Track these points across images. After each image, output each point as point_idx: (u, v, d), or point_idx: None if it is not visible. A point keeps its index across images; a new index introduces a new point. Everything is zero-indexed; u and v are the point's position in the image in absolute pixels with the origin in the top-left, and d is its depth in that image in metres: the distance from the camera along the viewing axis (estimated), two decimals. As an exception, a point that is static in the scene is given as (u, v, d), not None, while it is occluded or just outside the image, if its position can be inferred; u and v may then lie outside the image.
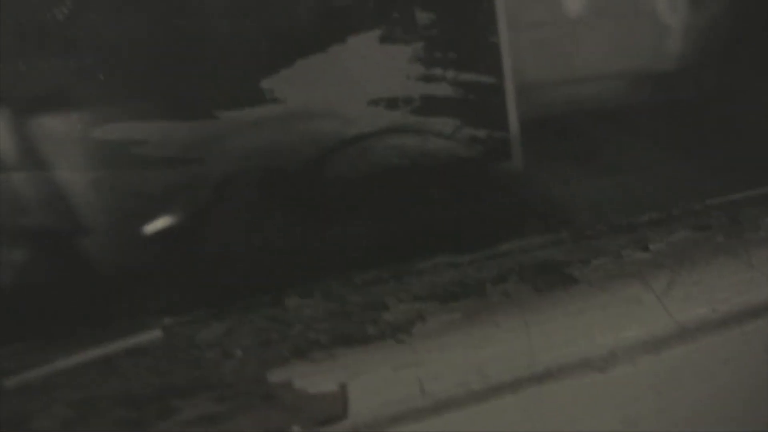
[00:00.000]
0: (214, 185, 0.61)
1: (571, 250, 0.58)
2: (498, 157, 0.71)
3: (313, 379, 0.45)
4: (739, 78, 0.80)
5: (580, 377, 0.49)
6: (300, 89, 0.62)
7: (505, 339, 0.49)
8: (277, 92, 0.62)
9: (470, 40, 0.66)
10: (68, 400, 0.43)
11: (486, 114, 0.69)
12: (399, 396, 0.46)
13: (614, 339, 0.50)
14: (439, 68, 0.66)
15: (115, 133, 0.58)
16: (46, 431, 0.41)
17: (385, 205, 0.63)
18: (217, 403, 0.43)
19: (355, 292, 0.53)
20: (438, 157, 0.66)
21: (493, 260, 0.57)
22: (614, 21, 0.76)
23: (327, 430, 0.44)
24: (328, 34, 0.62)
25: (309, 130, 0.63)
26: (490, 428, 0.47)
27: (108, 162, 0.58)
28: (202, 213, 0.60)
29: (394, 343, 0.47)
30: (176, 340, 0.49)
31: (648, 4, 0.76)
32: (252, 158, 0.61)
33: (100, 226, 0.58)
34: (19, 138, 0.55)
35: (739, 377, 0.54)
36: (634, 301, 0.52)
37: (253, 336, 0.49)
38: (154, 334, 0.49)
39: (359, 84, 0.64)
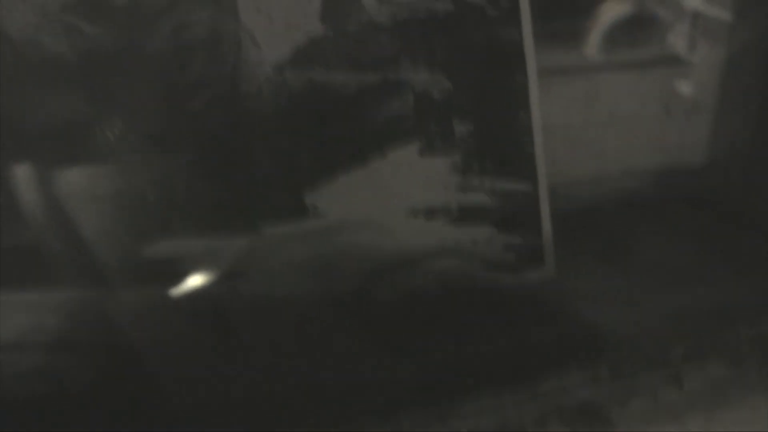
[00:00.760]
0: (254, 303, 0.61)
1: (609, 389, 0.59)
2: (531, 263, 0.72)
3: None
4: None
5: None
6: (341, 203, 0.63)
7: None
8: (320, 206, 0.63)
9: (506, 149, 0.68)
10: None
11: (520, 221, 0.71)
12: None
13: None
14: (476, 178, 0.68)
15: (162, 252, 0.58)
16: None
17: (423, 336, 0.64)
18: None
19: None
20: (474, 278, 0.67)
21: (534, 401, 0.58)
22: (645, 120, 0.79)
23: None
24: (369, 148, 0.64)
25: (349, 243, 0.64)
26: None
27: (155, 280, 0.58)
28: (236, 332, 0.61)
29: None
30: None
31: (679, 105, 0.78)
32: (292, 275, 0.62)
33: (147, 343, 0.58)
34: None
35: None
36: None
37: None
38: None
39: (399, 196, 0.65)
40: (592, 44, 0.76)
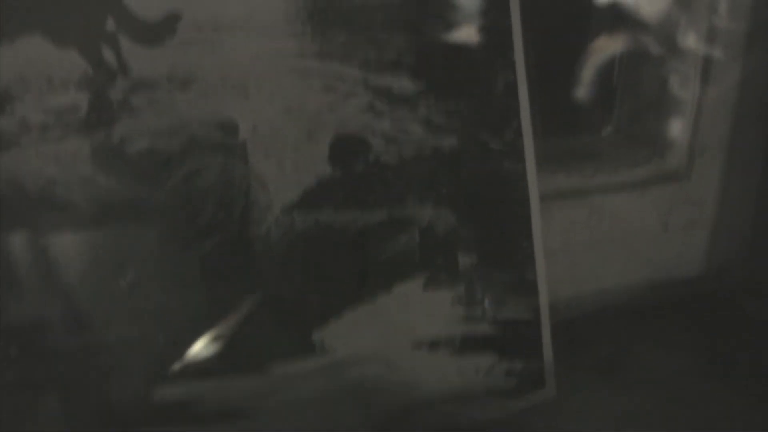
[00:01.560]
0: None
1: None
2: (532, 386, 0.74)
3: None
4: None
5: None
6: (348, 338, 0.65)
7: None
8: (327, 343, 0.65)
9: (509, 278, 0.70)
10: None
11: (522, 347, 0.72)
12: None
13: None
14: (479, 308, 0.69)
15: (174, 394, 0.60)
16: None
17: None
18: None
19: None
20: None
21: None
22: (640, 237, 0.81)
23: None
24: (375, 284, 0.65)
25: (355, 378, 0.65)
26: None
27: (166, 419, 0.60)
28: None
29: None
30: None
31: (677, 220, 0.81)
32: (299, 413, 0.63)
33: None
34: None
35: None
36: None
37: None
38: None
39: (403, 329, 0.67)
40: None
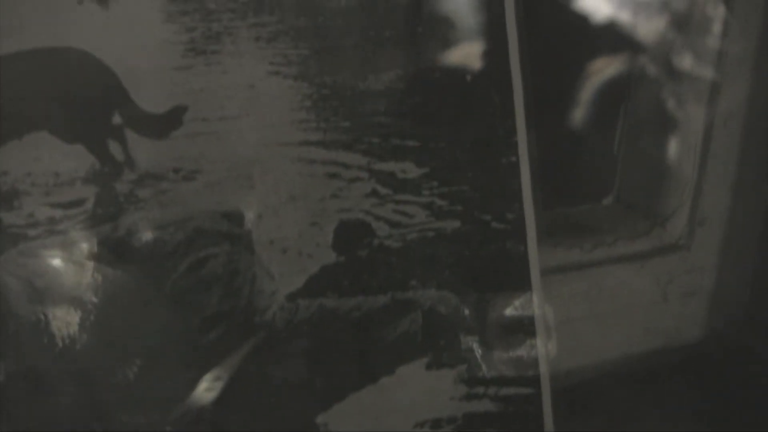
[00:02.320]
0: None
1: None
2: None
3: None
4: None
5: None
6: (351, 421, 0.66)
7: None
8: (331, 425, 0.66)
9: (512, 355, 0.71)
10: None
11: (524, 421, 0.74)
12: None
13: None
14: (481, 386, 0.71)
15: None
16: None
17: None
18: None
19: None
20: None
21: None
22: (639, 308, 0.82)
23: None
24: (378, 367, 0.66)
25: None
26: None
27: None
28: None
29: None
30: None
31: (676, 290, 0.82)
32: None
33: None
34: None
35: None
36: None
37: None
38: None
39: (406, 409, 0.68)
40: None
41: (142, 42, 0.59)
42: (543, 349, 0.72)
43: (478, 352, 0.70)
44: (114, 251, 0.58)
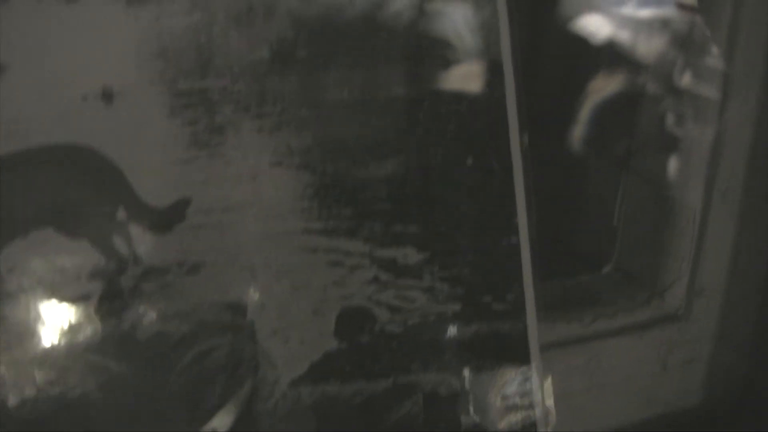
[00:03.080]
0: None
1: None
2: None
3: None
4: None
5: None
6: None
7: None
8: None
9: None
10: None
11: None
12: None
13: None
14: (482, 466, 0.72)
15: None
16: None
17: None
18: None
19: None
20: None
21: None
22: (638, 378, 0.84)
23: None
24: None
25: None
26: None
27: None
28: None
29: None
30: None
31: (675, 360, 0.83)
32: None
33: None
34: None
35: None
36: None
37: None
38: None
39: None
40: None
41: (147, 137, 0.60)
42: (543, 425, 0.74)
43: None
44: (119, 345, 0.59)
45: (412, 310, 0.68)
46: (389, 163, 0.66)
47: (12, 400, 0.58)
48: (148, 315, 0.60)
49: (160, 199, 0.60)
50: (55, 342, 0.59)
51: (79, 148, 0.59)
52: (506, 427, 0.73)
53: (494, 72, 0.69)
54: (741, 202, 0.80)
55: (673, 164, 0.80)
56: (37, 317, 0.58)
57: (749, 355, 0.87)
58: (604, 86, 0.83)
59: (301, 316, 0.64)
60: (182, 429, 0.62)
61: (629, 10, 0.85)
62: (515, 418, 0.73)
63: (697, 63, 0.78)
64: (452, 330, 0.69)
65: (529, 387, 0.73)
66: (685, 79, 0.79)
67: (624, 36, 0.82)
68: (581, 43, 0.82)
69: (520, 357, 0.72)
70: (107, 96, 0.58)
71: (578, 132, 0.84)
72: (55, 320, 0.59)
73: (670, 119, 0.82)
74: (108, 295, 0.59)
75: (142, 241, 0.60)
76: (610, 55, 0.83)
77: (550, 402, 0.74)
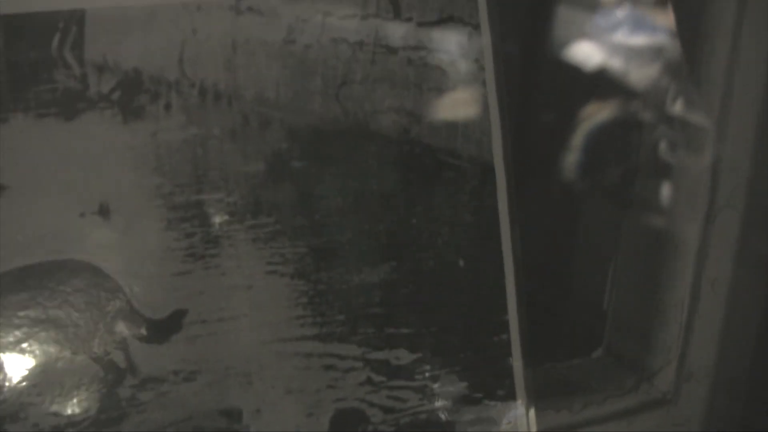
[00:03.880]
0: None
1: None
2: None
3: None
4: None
5: None
6: None
7: None
8: None
9: None
10: None
11: None
12: None
13: None
14: None
15: None
16: None
17: None
18: None
19: None
20: None
21: None
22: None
23: None
24: None
25: None
26: None
27: None
28: None
29: None
30: None
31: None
32: None
33: None
34: None
35: None
36: None
37: None
38: None
39: None
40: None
41: (144, 250, 0.61)
42: None
43: None
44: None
45: (404, 410, 0.69)
46: (382, 269, 0.68)
47: None
48: (146, 424, 0.62)
49: (157, 311, 0.62)
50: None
51: (78, 263, 0.60)
52: None
53: (486, 176, 0.71)
54: (729, 291, 0.82)
55: (663, 254, 0.82)
56: (37, 431, 0.60)
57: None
58: (596, 113, 0.84)
59: (295, 419, 0.66)
60: None
61: (621, 37, 0.84)
62: None
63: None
64: (445, 427, 0.71)
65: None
66: (678, 107, 0.81)
67: (616, 63, 0.84)
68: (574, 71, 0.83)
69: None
70: (104, 212, 0.60)
71: (571, 160, 0.85)
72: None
73: (663, 150, 0.84)
74: (106, 407, 0.61)
75: (139, 352, 0.62)
76: (603, 82, 0.84)
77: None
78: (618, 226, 0.86)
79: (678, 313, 0.84)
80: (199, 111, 0.62)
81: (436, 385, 0.70)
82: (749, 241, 0.81)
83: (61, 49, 0.58)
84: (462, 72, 0.70)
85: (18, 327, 0.59)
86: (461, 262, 0.71)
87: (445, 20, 0.70)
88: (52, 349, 0.60)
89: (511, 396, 0.73)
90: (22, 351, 0.60)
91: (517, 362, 0.73)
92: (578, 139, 0.84)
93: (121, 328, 0.61)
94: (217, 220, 0.63)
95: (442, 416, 0.71)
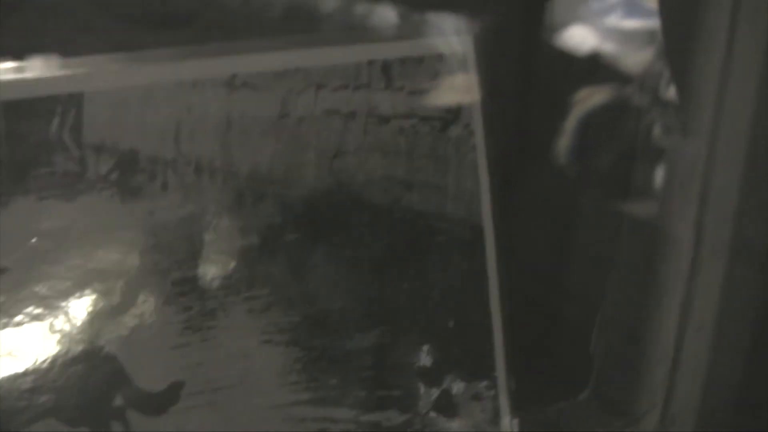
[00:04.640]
0: None
1: None
2: None
3: None
4: None
5: None
6: None
7: None
8: None
9: None
10: None
11: None
12: None
13: None
14: None
15: None
16: None
17: None
18: None
19: None
20: None
21: None
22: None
23: None
24: None
25: None
26: None
27: None
28: None
29: None
30: None
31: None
32: None
33: None
34: None
35: None
36: None
37: None
38: None
39: None
40: None
41: (143, 325, 0.64)
42: None
43: None
44: None
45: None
46: (373, 333, 0.71)
47: None
48: (144, 493, 0.65)
49: (155, 384, 0.65)
50: None
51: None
52: None
53: (476, 238, 0.73)
54: (714, 335, 0.84)
55: (649, 299, 0.85)
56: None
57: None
58: (589, 98, 0.86)
59: (290, 482, 0.69)
60: None
61: (614, 21, 0.86)
62: None
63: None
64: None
65: None
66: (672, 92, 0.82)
67: (609, 48, 0.85)
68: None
69: None
70: (104, 290, 0.63)
71: (564, 144, 0.87)
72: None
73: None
74: (106, 478, 0.64)
75: (137, 423, 0.64)
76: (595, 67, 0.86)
77: None
78: (606, 272, 0.88)
79: (664, 357, 0.87)
80: (195, 189, 0.64)
81: (426, 445, 0.73)
82: (733, 288, 0.84)
83: (60, 133, 0.60)
84: (452, 137, 0.72)
85: (22, 405, 0.61)
86: (451, 323, 0.73)
87: (435, 87, 0.71)
88: (54, 423, 0.62)
89: (499, 447, 0.76)
90: (25, 427, 0.62)
91: (505, 418, 0.75)
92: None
93: (120, 400, 0.64)
94: (213, 293, 0.65)
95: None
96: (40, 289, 0.61)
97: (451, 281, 0.73)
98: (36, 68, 0.60)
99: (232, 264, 0.66)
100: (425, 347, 0.73)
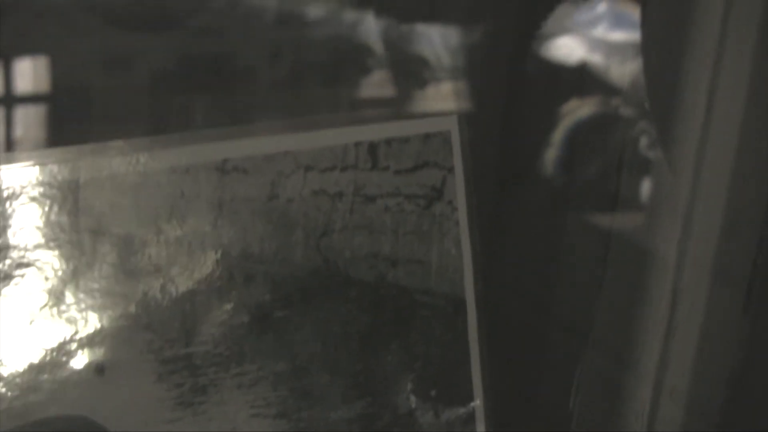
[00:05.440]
0: None
1: None
2: None
3: None
4: None
5: None
6: None
7: None
8: None
9: None
10: None
11: None
12: None
13: None
14: None
15: None
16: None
17: None
18: None
19: None
20: None
21: None
22: None
23: None
24: None
25: None
26: None
27: None
28: None
29: None
30: None
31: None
32: None
33: None
34: None
35: None
36: None
37: None
38: None
39: None
40: None
41: (136, 402, 0.67)
42: None
43: None
44: None
45: None
46: (359, 404, 0.74)
47: None
48: None
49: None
50: None
51: (74, 418, 0.66)
52: None
53: (459, 310, 0.77)
54: (688, 399, 0.88)
55: (625, 365, 0.88)
56: None
57: None
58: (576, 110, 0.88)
59: None
60: None
61: (600, 32, 0.88)
62: None
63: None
64: None
65: None
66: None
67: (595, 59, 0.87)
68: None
69: None
70: (99, 370, 0.65)
71: (551, 155, 0.90)
72: None
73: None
74: None
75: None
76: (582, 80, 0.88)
77: None
78: (584, 336, 0.91)
79: (638, 419, 0.90)
80: (188, 269, 0.67)
81: None
82: (706, 353, 0.87)
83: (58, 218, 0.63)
84: (436, 214, 0.75)
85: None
86: (433, 393, 0.77)
87: (420, 166, 0.75)
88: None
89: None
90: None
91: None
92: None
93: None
94: (204, 370, 0.68)
95: None
96: (36, 368, 0.63)
97: (433, 352, 0.76)
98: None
99: (222, 342, 0.68)
100: (409, 416, 0.76)
